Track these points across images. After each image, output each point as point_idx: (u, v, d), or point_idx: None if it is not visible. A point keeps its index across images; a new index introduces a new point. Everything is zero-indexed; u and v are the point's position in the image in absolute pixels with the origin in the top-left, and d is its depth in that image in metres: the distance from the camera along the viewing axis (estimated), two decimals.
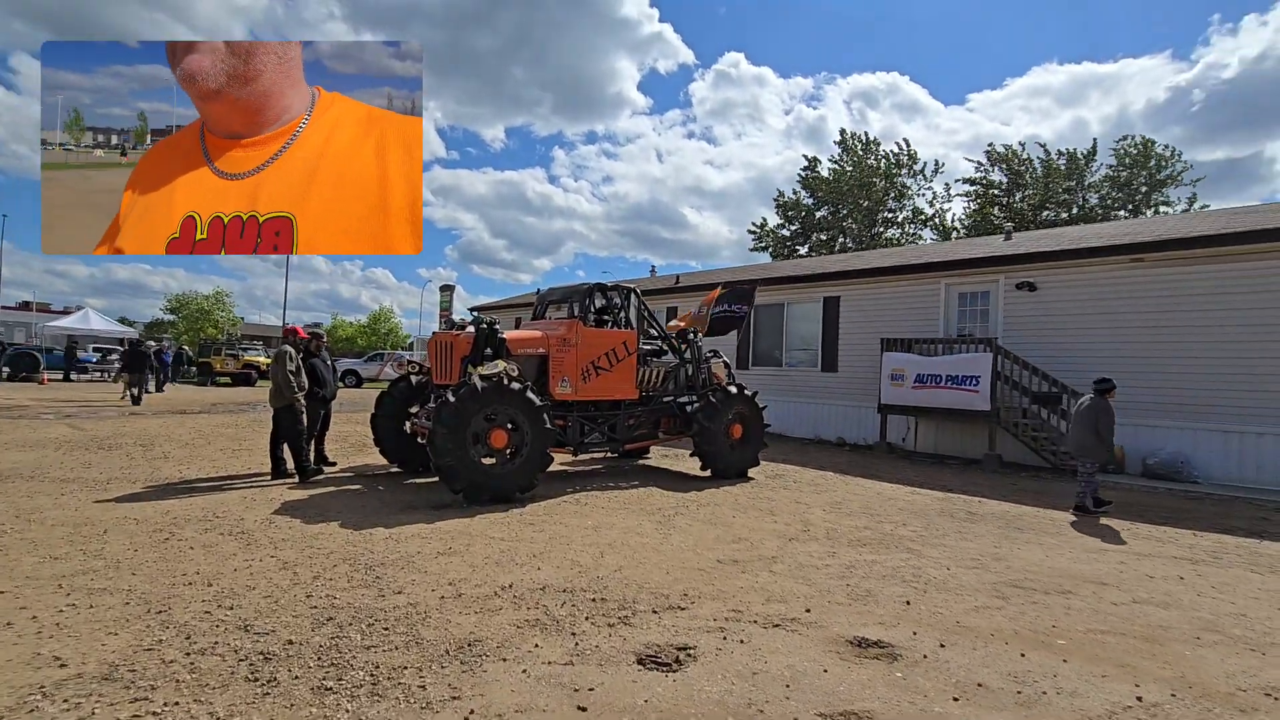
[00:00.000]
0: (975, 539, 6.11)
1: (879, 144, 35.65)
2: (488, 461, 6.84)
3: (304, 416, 7.67)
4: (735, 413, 8.98)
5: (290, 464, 7.79)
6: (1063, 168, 32.45)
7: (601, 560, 4.91)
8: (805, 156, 48.76)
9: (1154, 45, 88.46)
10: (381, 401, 8.38)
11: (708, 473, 9.02)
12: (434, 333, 8.01)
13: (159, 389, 21.46)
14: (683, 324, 9.81)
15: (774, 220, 39.00)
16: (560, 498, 7.23)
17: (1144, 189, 31.16)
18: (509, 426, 6.90)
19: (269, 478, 7.75)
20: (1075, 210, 31.91)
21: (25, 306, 49.48)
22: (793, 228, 38.46)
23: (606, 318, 8.76)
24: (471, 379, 6.70)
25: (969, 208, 35.45)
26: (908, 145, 35.29)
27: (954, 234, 34.94)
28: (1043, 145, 32.90)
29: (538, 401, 6.98)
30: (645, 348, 9.10)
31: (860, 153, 35.59)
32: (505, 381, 6.81)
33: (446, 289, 42.84)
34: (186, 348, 32.33)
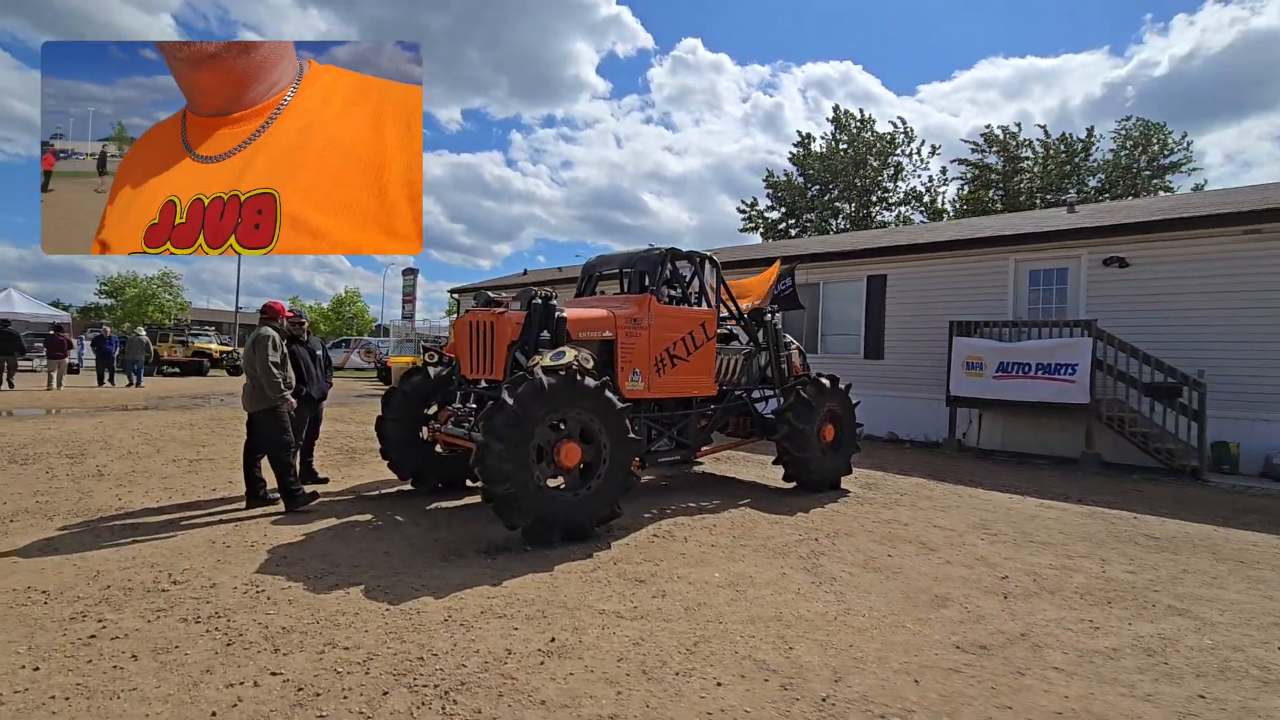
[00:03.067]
0: (1227, 585, 4.57)
1: (874, 121, 34.34)
2: (552, 484, 5.04)
3: (290, 423, 5.72)
4: (828, 411, 7.33)
5: (272, 486, 5.84)
6: (1061, 152, 31.65)
7: (794, 656, 3.19)
8: (799, 133, 47.66)
9: (1093, 41, 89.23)
10: (390, 400, 6.45)
11: (790, 484, 7.39)
12: (468, 311, 6.12)
13: (138, 383, 18.49)
14: (753, 302, 8.07)
15: (764, 201, 37.45)
16: (642, 530, 5.47)
17: (1145, 173, 30.53)
18: (581, 438, 5.10)
19: (243, 505, 5.78)
20: (1075, 194, 31.11)
21: None
22: (780, 210, 36.99)
23: (673, 293, 6.97)
24: (533, 373, 4.86)
25: (961, 191, 34.51)
26: (904, 123, 34.07)
27: (944, 216, 33.98)
28: (1042, 127, 32.04)
29: (619, 403, 5.18)
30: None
31: (855, 129, 34.21)
32: (578, 377, 4.99)
33: (410, 273, 40.20)
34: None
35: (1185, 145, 30.47)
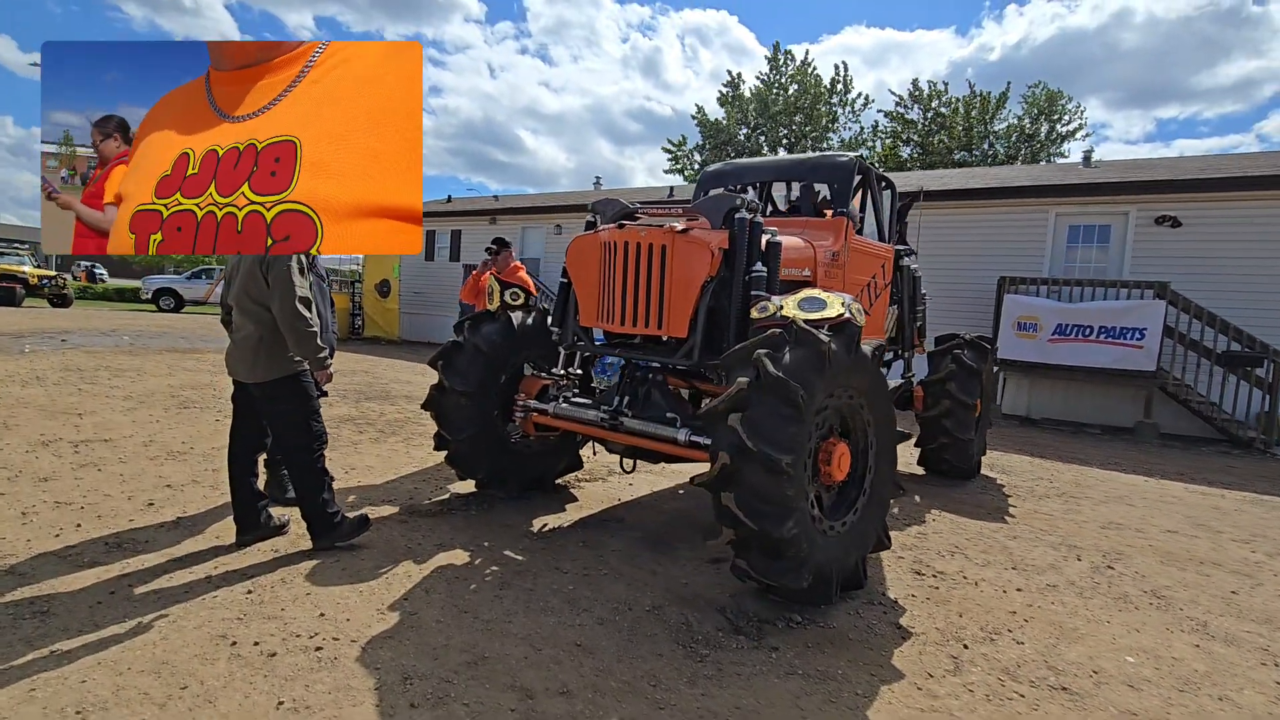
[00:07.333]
0: None
1: (814, 66, 33.20)
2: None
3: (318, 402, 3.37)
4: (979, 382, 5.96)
5: (277, 508, 3.48)
6: (974, 111, 32.33)
7: None
8: (729, 71, 45.90)
9: (943, 20, 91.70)
10: (451, 361, 4.13)
11: (919, 469, 6.03)
12: (598, 227, 3.90)
13: None
14: None
15: (694, 139, 35.56)
16: (882, 561, 3.79)
17: (1045, 140, 31.90)
18: (842, 434, 3.26)
19: (231, 540, 3.38)
20: (983, 156, 32.08)
21: None
22: (705, 151, 35.34)
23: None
24: (795, 329, 2.91)
25: (875, 148, 34.59)
26: (845, 69, 33.22)
27: None
28: (970, 84, 32.50)
29: (888, 381, 3.39)
30: None
31: (794, 72, 32.92)
32: (852, 340, 3.11)
33: None
34: None
35: (1081, 114, 32.17)
